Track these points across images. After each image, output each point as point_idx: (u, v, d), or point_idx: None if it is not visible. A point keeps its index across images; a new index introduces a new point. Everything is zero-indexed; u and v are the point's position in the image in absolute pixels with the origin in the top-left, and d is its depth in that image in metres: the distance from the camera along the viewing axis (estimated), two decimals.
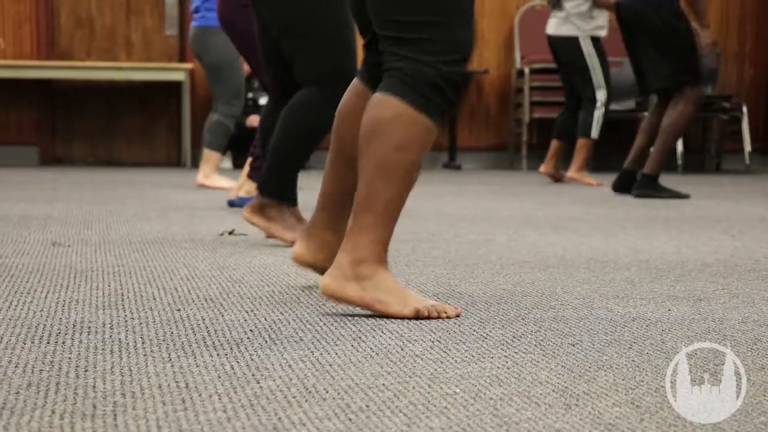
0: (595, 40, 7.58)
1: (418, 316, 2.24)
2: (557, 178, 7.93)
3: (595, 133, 7.58)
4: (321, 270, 2.56)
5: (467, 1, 2.28)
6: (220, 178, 6.75)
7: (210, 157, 6.74)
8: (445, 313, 2.26)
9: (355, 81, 2.49)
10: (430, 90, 2.23)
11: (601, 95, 7.53)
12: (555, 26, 7.71)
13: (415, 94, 2.22)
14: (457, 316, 2.28)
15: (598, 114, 7.56)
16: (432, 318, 2.24)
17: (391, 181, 2.22)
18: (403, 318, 2.24)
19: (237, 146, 9.13)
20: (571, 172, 7.69)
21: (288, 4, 3.39)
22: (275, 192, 3.41)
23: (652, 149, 6.38)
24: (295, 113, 3.39)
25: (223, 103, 6.71)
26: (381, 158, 2.22)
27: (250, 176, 4.71)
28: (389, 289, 2.26)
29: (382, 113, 2.23)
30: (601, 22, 7.63)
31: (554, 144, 7.87)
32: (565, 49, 7.65)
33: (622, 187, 6.50)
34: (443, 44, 2.24)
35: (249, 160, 4.72)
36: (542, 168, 7.99)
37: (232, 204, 5.19)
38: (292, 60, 3.44)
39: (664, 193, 6.24)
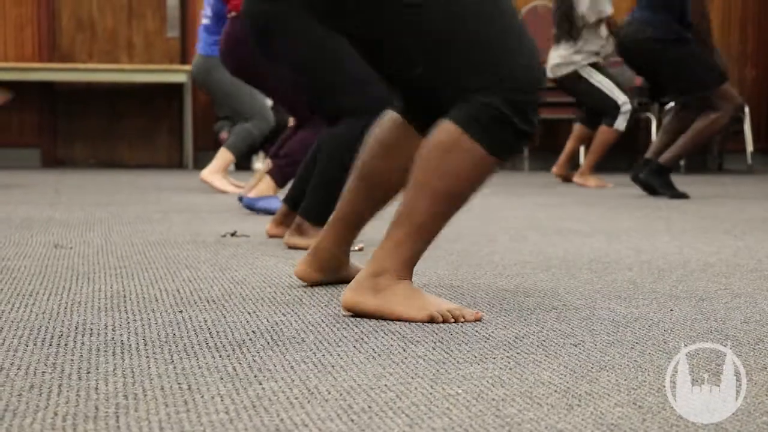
0: (593, 64, 7.57)
1: (432, 321, 2.20)
2: (567, 178, 7.92)
3: (620, 125, 7.47)
4: (324, 283, 2.64)
5: (514, 24, 2.24)
6: (227, 182, 6.64)
7: (223, 155, 6.66)
8: (464, 317, 2.23)
9: (390, 112, 2.47)
10: (493, 122, 2.18)
11: (622, 99, 7.49)
12: (553, 69, 7.70)
13: (476, 123, 2.18)
14: (477, 320, 2.24)
15: (625, 113, 7.48)
16: (449, 322, 2.21)
17: (431, 202, 2.20)
18: (416, 321, 2.21)
19: None
20: (577, 176, 7.61)
21: (296, 44, 3.45)
22: (318, 217, 3.41)
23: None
24: (337, 141, 3.42)
25: (253, 117, 6.67)
26: (427, 181, 2.20)
27: (271, 173, 4.80)
28: (405, 296, 2.23)
29: (440, 138, 2.20)
30: (595, 48, 7.60)
31: (569, 145, 7.85)
32: (572, 85, 7.65)
33: (639, 178, 6.42)
34: (511, 83, 2.19)
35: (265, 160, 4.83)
36: (554, 169, 7.98)
37: (242, 200, 5.20)
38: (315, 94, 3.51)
39: (666, 191, 6.20)
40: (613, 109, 7.47)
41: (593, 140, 7.57)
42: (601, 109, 7.54)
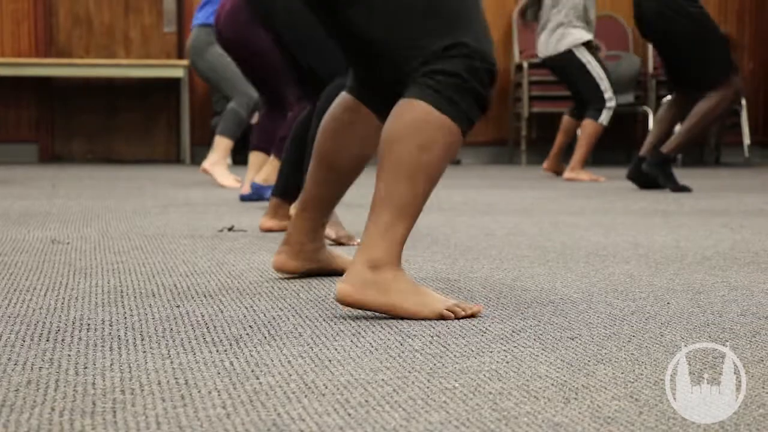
0: (587, 45, 7.55)
1: (443, 318, 2.18)
2: (559, 171, 7.92)
3: (605, 119, 7.47)
4: (304, 273, 2.67)
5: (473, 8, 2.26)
6: (227, 175, 6.57)
7: (219, 143, 6.62)
8: (464, 311, 2.21)
9: (344, 94, 2.49)
10: (457, 92, 2.20)
11: (609, 94, 7.49)
12: (545, 45, 7.66)
13: (441, 97, 2.19)
14: (475, 314, 2.21)
15: (610, 109, 7.48)
16: (459, 318, 2.19)
17: (410, 181, 2.19)
18: (427, 319, 2.19)
19: (235, 143, 9.11)
20: (568, 172, 7.58)
21: (295, 17, 3.46)
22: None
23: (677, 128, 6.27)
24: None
25: (237, 94, 6.65)
26: (402, 158, 2.20)
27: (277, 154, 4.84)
28: (408, 291, 2.21)
29: (406, 116, 2.21)
30: (589, 21, 7.59)
31: (559, 139, 7.85)
32: (563, 65, 7.62)
33: (637, 175, 6.40)
34: (468, 49, 2.21)
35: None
36: (545, 165, 7.97)
37: (243, 198, 5.20)
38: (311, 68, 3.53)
39: (669, 183, 6.12)
40: (599, 101, 7.45)
41: (579, 135, 7.56)
42: (587, 97, 7.51)
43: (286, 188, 3.72)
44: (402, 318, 2.19)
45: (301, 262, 2.66)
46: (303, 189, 2.59)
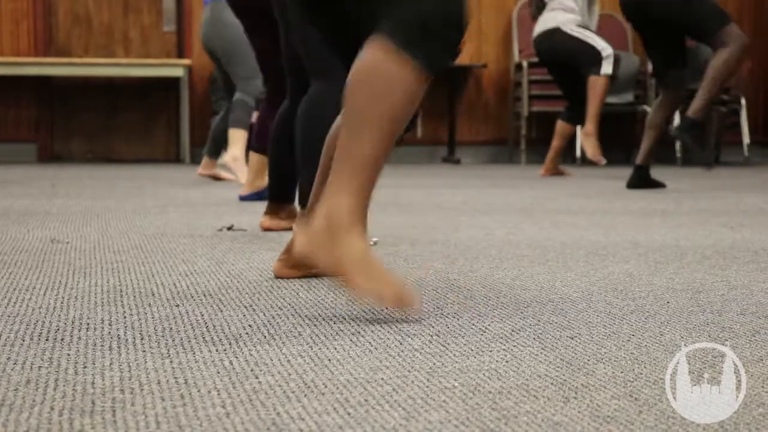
0: (578, 24, 7.54)
1: (381, 298, 2.11)
2: (560, 173, 7.91)
3: (607, 69, 7.39)
4: (306, 276, 2.64)
5: None
6: (246, 171, 6.50)
7: (235, 135, 6.60)
8: (410, 302, 2.13)
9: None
10: (421, 31, 2.08)
11: (601, 45, 7.41)
12: (538, 27, 7.67)
13: (403, 36, 2.08)
14: (418, 307, 2.16)
15: (607, 57, 7.40)
16: (395, 306, 2.12)
17: (365, 133, 2.10)
18: (359, 296, 2.13)
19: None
20: (582, 134, 7.47)
21: None
22: None
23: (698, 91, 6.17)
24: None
25: (242, 80, 6.62)
26: (354, 109, 2.11)
27: None
28: (359, 259, 2.12)
29: (367, 58, 2.10)
30: (575, 17, 7.58)
31: (553, 144, 7.84)
32: (551, 42, 7.59)
33: (637, 183, 6.35)
34: None
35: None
36: (542, 171, 7.96)
37: (243, 199, 5.20)
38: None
39: (696, 148, 6.02)
40: (596, 56, 7.41)
41: (588, 93, 7.46)
42: (583, 62, 7.47)
43: (281, 189, 3.70)
44: (345, 284, 2.13)
45: (304, 270, 2.65)
46: (312, 193, 2.54)
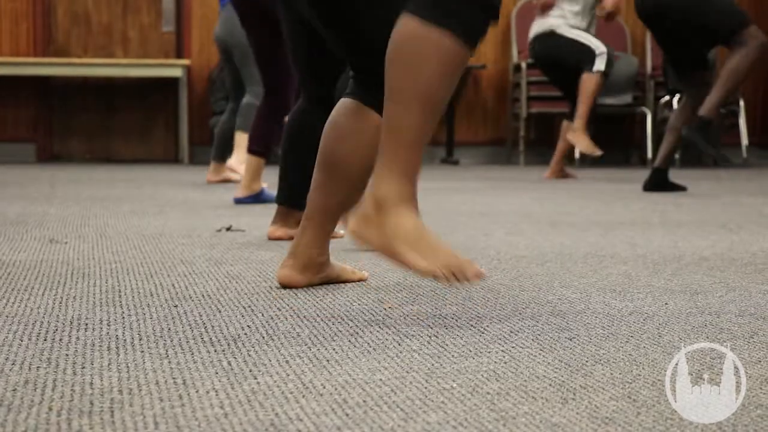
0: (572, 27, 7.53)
1: (435, 277, 2.09)
2: (566, 175, 7.89)
3: (600, 66, 7.35)
4: (312, 284, 2.55)
5: None
6: (236, 173, 6.49)
7: (241, 140, 6.57)
8: (465, 276, 2.09)
9: (344, 100, 2.44)
10: (457, 1, 2.05)
11: (595, 43, 7.38)
12: (533, 30, 7.67)
13: (435, 6, 2.04)
14: (479, 278, 2.11)
15: (601, 55, 7.37)
16: (450, 282, 2.09)
17: (406, 108, 2.07)
18: (420, 272, 2.09)
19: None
20: (570, 133, 7.41)
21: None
22: None
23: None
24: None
25: (252, 85, 6.58)
26: (392, 84, 2.07)
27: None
28: (410, 237, 2.09)
29: (404, 33, 2.06)
30: (574, 21, 7.55)
31: (559, 146, 7.82)
32: (545, 44, 7.58)
33: (654, 185, 6.28)
34: None
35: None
36: (547, 174, 7.93)
37: (238, 202, 5.19)
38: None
39: (709, 147, 5.93)
40: (589, 54, 7.39)
41: (580, 91, 7.42)
42: (578, 61, 7.45)
43: (291, 194, 3.59)
44: (397, 263, 2.11)
45: (308, 277, 2.55)
46: (308, 198, 2.51)
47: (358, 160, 2.42)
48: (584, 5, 7.55)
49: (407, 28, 2.07)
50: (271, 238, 3.66)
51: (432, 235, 2.15)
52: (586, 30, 7.55)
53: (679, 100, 6.32)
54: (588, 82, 7.37)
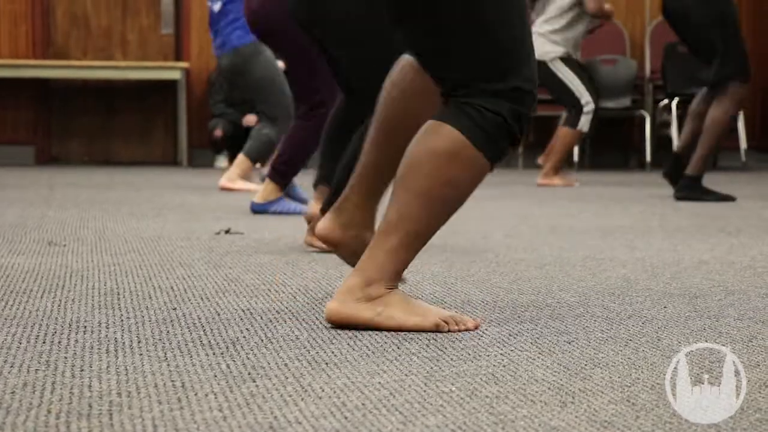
0: (564, 59, 7.45)
1: (438, 329, 2.10)
2: (567, 184, 7.83)
3: (584, 126, 7.36)
4: (343, 250, 2.43)
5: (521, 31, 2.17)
6: (246, 183, 6.39)
7: (242, 163, 6.42)
8: (464, 324, 2.13)
9: (405, 57, 2.36)
10: (497, 130, 2.12)
11: (585, 99, 7.39)
12: None
13: (481, 132, 2.11)
14: (476, 328, 2.14)
15: (587, 113, 7.37)
16: (453, 331, 2.11)
17: (428, 212, 2.12)
18: (423, 331, 2.11)
19: (232, 145, 9.11)
20: (541, 178, 7.38)
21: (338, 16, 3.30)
22: None
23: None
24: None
25: (269, 120, 6.43)
26: (423, 189, 2.11)
27: (271, 177, 4.68)
28: (402, 303, 2.13)
29: (441, 144, 2.11)
30: (573, 35, 7.48)
31: (553, 149, 7.79)
32: (539, 73, 7.51)
33: (672, 172, 6.16)
34: (517, 93, 2.13)
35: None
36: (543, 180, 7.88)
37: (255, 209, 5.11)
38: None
39: (708, 196, 5.89)
40: (575, 103, 7.34)
41: (557, 140, 7.43)
42: (562, 102, 7.42)
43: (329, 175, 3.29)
44: (392, 329, 2.11)
45: (347, 235, 2.41)
46: (362, 154, 2.41)
47: (414, 119, 2.31)
48: (558, 11, 7.44)
49: (451, 140, 2.11)
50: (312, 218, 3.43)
51: (420, 301, 2.20)
52: (566, 27, 7.44)
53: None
54: (567, 137, 7.35)
